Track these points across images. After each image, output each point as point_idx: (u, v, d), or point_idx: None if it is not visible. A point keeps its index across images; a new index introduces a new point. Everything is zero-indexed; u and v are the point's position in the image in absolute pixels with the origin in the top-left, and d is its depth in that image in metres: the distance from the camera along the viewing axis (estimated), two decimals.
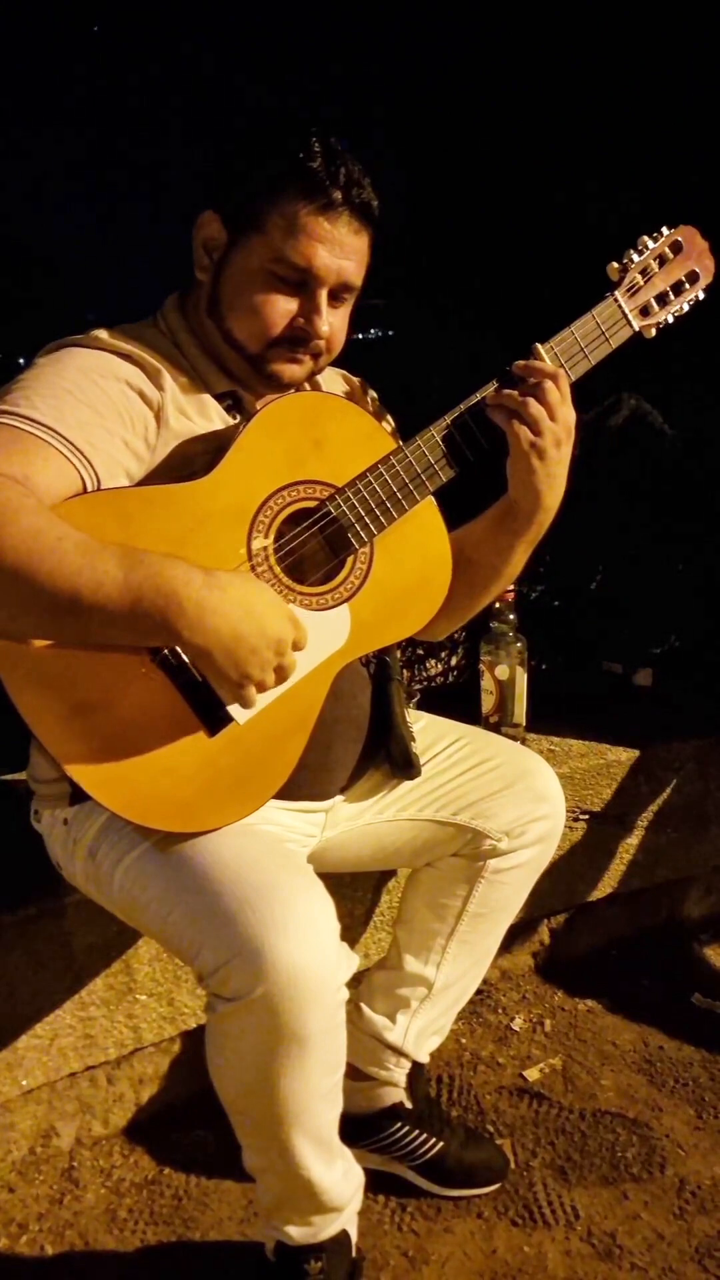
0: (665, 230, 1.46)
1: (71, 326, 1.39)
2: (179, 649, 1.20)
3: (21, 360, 1.35)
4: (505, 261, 2.78)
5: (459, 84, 2.86)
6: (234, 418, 1.36)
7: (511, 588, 1.95)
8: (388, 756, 1.50)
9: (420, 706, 1.78)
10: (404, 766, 1.50)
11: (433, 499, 1.39)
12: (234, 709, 1.25)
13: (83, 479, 1.19)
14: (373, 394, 1.58)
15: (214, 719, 1.25)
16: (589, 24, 2.55)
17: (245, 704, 1.21)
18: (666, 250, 1.45)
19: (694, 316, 1.54)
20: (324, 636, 1.32)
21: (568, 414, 1.37)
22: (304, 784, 1.36)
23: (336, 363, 1.48)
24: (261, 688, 1.20)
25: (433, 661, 3.48)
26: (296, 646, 1.22)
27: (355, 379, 1.59)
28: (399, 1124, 1.61)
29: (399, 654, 1.57)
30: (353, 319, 1.44)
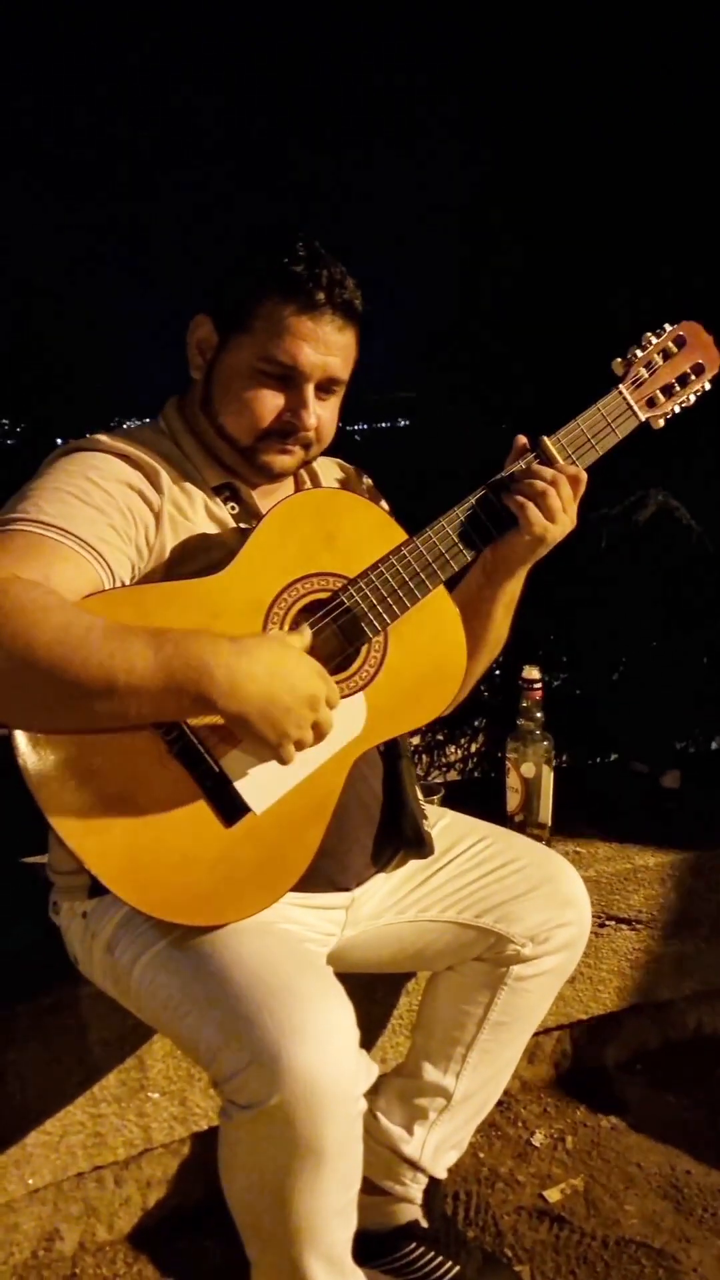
0: (668, 326, 1.53)
1: (108, 403, 1.46)
2: (194, 734, 1.23)
3: (60, 440, 1.42)
4: (530, 361, 2.87)
5: (497, 197, 3.00)
6: (232, 508, 1.42)
7: (539, 684, 1.95)
8: (400, 836, 1.50)
9: (444, 795, 1.77)
10: (416, 844, 1.50)
11: (444, 588, 1.42)
12: (251, 799, 1.26)
13: (99, 574, 1.23)
14: (367, 480, 1.66)
15: (231, 809, 1.26)
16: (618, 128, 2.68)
17: (284, 761, 1.22)
18: (670, 345, 1.52)
19: None
20: (341, 725, 1.32)
21: (574, 512, 1.45)
22: (322, 872, 1.35)
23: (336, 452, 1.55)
24: (300, 746, 1.22)
25: (452, 748, 3.46)
26: (329, 703, 1.24)
27: (350, 466, 1.66)
28: (414, 1244, 1.55)
29: (411, 737, 1.58)
30: (346, 410, 1.50)
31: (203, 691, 1.14)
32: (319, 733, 1.23)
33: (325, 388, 1.42)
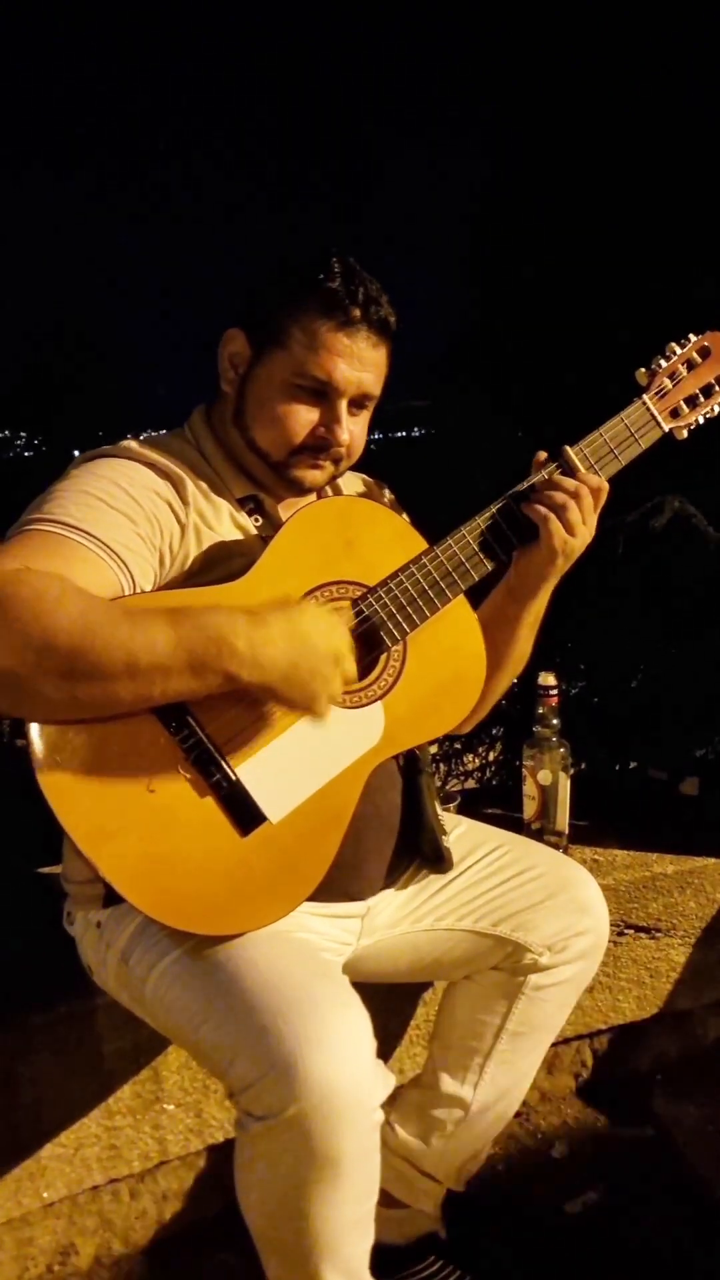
0: (692, 337, 1.52)
1: (114, 419, 1.45)
2: (210, 740, 1.22)
3: (77, 451, 1.42)
4: (550, 369, 2.86)
5: (511, 199, 3.00)
6: (256, 520, 1.42)
7: (555, 691, 1.94)
8: (419, 852, 1.48)
9: (460, 803, 1.75)
10: (434, 860, 1.48)
11: (464, 597, 1.41)
12: (267, 807, 1.25)
13: (120, 581, 1.23)
14: (389, 495, 1.65)
15: (246, 818, 1.25)
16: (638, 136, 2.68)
17: (320, 720, 1.24)
18: (695, 355, 1.51)
19: None
20: (358, 734, 1.32)
21: (594, 523, 1.44)
22: (336, 882, 1.34)
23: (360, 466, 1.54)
24: (333, 700, 1.24)
25: (470, 756, 3.44)
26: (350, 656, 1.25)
27: (370, 479, 1.65)
28: (432, 1257, 1.54)
29: (432, 757, 1.56)
30: (373, 423, 1.50)
31: (225, 664, 1.15)
32: (345, 683, 1.26)
33: (358, 403, 1.42)
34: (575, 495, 1.40)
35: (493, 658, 1.48)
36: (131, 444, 1.37)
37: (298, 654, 1.19)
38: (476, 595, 1.47)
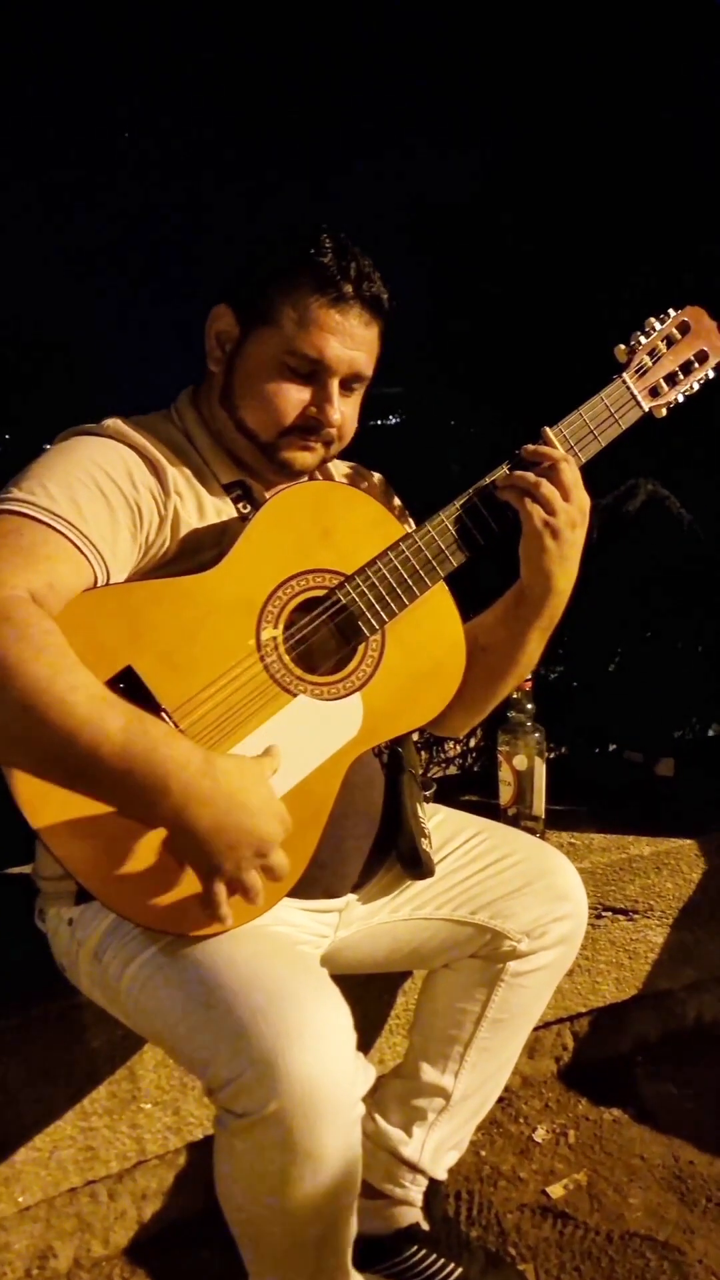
0: (672, 312, 1.48)
1: (82, 409, 1.40)
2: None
3: (47, 446, 1.37)
4: (522, 348, 2.84)
5: (479, 179, 2.98)
6: (242, 508, 1.37)
7: (529, 677, 1.92)
8: (395, 851, 1.46)
9: (439, 789, 1.73)
10: (412, 864, 1.44)
11: (444, 584, 1.38)
12: None
13: (96, 576, 1.19)
14: (378, 477, 1.60)
15: None
16: (603, 119, 2.66)
17: (212, 902, 1.12)
18: (674, 331, 1.47)
19: (711, 402, 1.56)
20: (336, 727, 1.29)
21: (582, 497, 1.37)
22: (314, 880, 1.31)
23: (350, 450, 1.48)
24: (236, 887, 1.13)
25: (451, 743, 3.44)
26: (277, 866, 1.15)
27: (360, 466, 1.61)
28: (415, 1248, 1.52)
29: (415, 744, 1.54)
30: (364, 408, 1.45)
31: (154, 800, 1.07)
32: (271, 876, 1.15)
33: (349, 384, 1.38)
34: (548, 472, 1.35)
35: (500, 661, 1.45)
36: (117, 423, 1.32)
37: (227, 824, 1.09)
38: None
